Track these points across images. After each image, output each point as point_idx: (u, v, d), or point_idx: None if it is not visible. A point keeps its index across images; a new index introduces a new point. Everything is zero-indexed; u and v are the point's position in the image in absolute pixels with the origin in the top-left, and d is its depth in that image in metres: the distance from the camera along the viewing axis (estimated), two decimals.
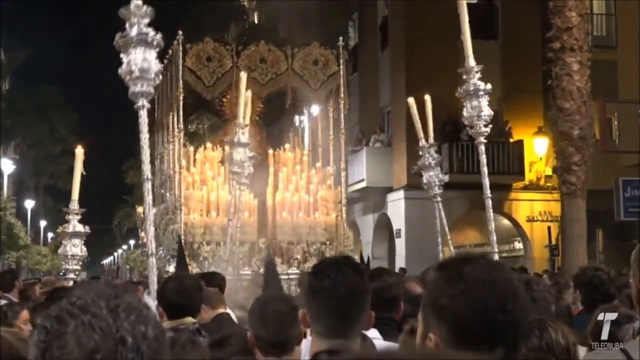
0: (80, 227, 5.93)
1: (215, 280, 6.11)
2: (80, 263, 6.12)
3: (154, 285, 4.40)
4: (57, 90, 47.74)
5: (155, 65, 4.20)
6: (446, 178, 6.84)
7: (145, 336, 1.16)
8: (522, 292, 1.75)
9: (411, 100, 6.89)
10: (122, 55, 4.21)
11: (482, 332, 1.65)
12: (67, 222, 5.95)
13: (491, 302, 1.67)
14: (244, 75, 8.04)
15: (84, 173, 5.92)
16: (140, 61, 4.15)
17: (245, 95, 7.88)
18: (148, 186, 4.30)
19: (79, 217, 5.93)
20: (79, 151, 5.94)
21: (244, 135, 7.51)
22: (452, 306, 1.68)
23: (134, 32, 4.14)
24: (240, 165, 7.49)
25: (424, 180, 6.86)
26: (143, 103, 4.22)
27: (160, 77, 4.36)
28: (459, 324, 1.67)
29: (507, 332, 1.68)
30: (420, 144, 6.79)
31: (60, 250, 6.05)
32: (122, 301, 1.18)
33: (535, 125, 21.02)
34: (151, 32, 4.17)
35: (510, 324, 1.68)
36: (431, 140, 6.78)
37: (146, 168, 4.28)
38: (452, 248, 6.67)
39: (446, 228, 6.85)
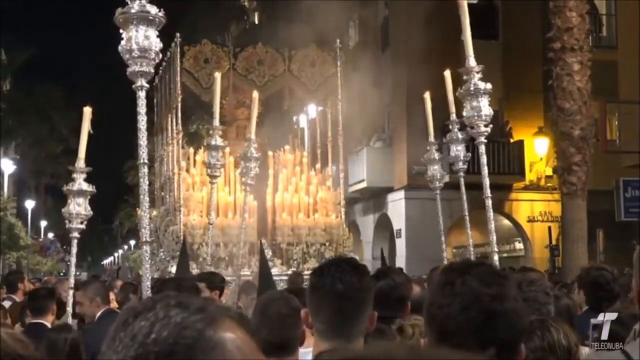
0: (85, 186, 5.76)
1: (216, 280, 6.09)
2: (85, 223, 5.90)
3: (147, 276, 4.17)
4: (57, 90, 47.67)
5: (156, 45, 4.04)
6: (469, 155, 7.02)
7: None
8: (517, 306, 1.73)
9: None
10: (122, 31, 4.04)
11: (466, 343, 1.65)
12: (73, 180, 5.79)
13: (476, 319, 1.67)
14: (218, 75, 8.01)
15: (92, 132, 5.85)
16: (141, 39, 3.99)
17: (252, 97, 7.88)
18: (145, 170, 4.10)
19: (84, 175, 5.78)
20: (87, 110, 5.87)
21: (218, 137, 7.37)
22: (439, 316, 1.70)
23: (135, 8, 3.99)
24: (214, 168, 7.41)
25: (453, 154, 7.02)
26: (142, 83, 4.06)
27: (160, 56, 4.21)
28: (443, 334, 1.68)
29: (493, 343, 1.67)
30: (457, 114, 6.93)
31: (64, 209, 5.91)
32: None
33: (536, 125, 20.98)
34: (153, 10, 4.01)
35: (495, 339, 1.67)
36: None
37: (142, 151, 4.08)
38: (471, 242, 6.65)
39: (465, 206, 6.92)
